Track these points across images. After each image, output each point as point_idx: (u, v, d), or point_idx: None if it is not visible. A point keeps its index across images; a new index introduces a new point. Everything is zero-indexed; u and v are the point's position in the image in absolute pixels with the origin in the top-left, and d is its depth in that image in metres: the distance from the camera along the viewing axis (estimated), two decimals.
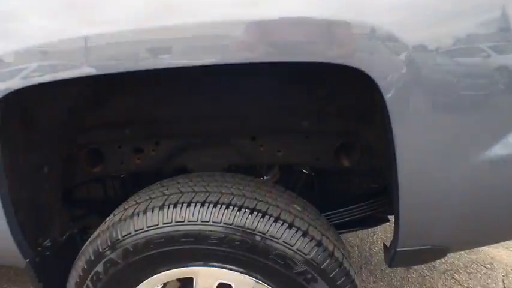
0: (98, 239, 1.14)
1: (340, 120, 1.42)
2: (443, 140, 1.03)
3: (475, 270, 2.20)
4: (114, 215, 1.18)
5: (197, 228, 1.06)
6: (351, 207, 1.52)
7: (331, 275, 1.10)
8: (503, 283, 2.09)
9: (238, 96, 1.38)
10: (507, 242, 2.44)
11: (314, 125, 1.42)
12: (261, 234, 1.06)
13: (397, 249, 1.15)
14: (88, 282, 1.16)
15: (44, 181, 1.33)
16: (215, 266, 1.11)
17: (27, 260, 1.25)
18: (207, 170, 1.36)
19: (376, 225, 1.70)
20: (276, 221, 1.08)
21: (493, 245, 2.41)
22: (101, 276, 1.14)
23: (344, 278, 1.12)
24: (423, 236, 1.14)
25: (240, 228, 1.05)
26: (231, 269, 1.11)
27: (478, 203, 1.11)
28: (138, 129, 1.44)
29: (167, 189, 1.16)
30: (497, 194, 1.11)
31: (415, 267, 2.22)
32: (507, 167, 1.06)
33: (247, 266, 1.10)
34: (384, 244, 1.30)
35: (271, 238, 1.06)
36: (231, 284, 1.13)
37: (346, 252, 1.20)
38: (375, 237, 2.49)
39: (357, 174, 1.58)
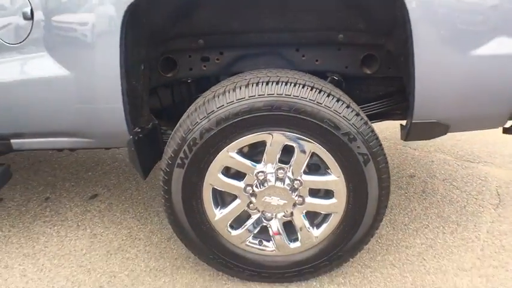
0: (195, 113, 1.74)
1: (367, 34, 2.02)
2: (449, 38, 1.66)
3: (471, 180, 2.89)
4: (205, 97, 1.77)
5: (274, 99, 1.66)
6: (371, 103, 2.16)
7: (366, 136, 1.73)
8: (497, 191, 2.77)
9: (288, 13, 1.96)
10: (500, 162, 3.14)
11: (347, 38, 2.03)
12: (318, 104, 1.67)
13: (412, 121, 1.79)
14: (185, 147, 1.75)
15: (140, 76, 1.92)
16: (283, 131, 1.72)
17: (131, 137, 1.85)
18: None
19: (392, 119, 2.34)
20: (328, 96, 1.69)
21: (487, 163, 3.12)
22: (197, 141, 1.73)
23: (375, 140, 1.75)
24: (431, 111, 1.77)
25: (304, 99, 1.66)
26: (294, 133, 1.72)
27: (471, 88, 1.75)
28: (209, 40, 2.02)
29: (246, 76, 1.76)
30: (485, 82, 1.75)
31: (418, 175, 2.91)
32: (490, 63, 1.70)
33: (307, 130, 1.70)
34: (401, 124, 1.95)
35: (325, 107, 1.67)
36: (293, 145, 1.75)
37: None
38: None
39: (375, 81, 2.22)
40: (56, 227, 2.47)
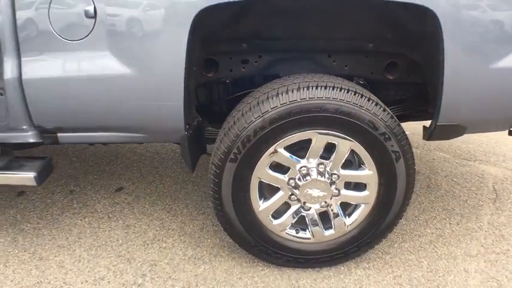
0: (249, 112, 2.06)
1: (394, 44, 2.40)
2: (474, 51, 2.05)
3: (470, 177, 3.34)
4: (257, 98, 2.09)
5: (322, 102, 2.00)
6: (394, 106, 2.55)
7: (399, 136, 2.10)
8: (494, 187, 3.23)
9: (327, 23, 2.31)
10: (494, 160, 3.61)
11: (376, 48, 2.40)
12: (359, 107, 2.02)
13: (437, 124, 2.18)
14: (239, 144, 2.06)
15: (191, 77, 2.22)
16: (327, 129, 2.07)
17: (185, 133, 2.15)
18: None
19: (410, 121, 2.75)
20: (368, 100, 2.05)
21: (482, 162, 3.58)
22: (251, 138, 2.05)
23: (405, 140, 2.13)
24: (454, 115, 2.17)
25: (348, 103, 2.01)
26: (337, 132, 2.07)
27: (488, 95, 2.16)
28: (251, 44, 2.34)
29: (295, 80, 2.10)
30: (499, 90, 2.16)
31: (422, 171, 3.34)
32: (504, 74, 2.11)
33: (349, 130, 2.06)
34: (424, 125, 2.34)
35: (366, 109, 2.03)
36: (335, 143, 2.10)
37: None
38: None
39: (395, 86, 2.61)
40: (86, 219, 2.73)
